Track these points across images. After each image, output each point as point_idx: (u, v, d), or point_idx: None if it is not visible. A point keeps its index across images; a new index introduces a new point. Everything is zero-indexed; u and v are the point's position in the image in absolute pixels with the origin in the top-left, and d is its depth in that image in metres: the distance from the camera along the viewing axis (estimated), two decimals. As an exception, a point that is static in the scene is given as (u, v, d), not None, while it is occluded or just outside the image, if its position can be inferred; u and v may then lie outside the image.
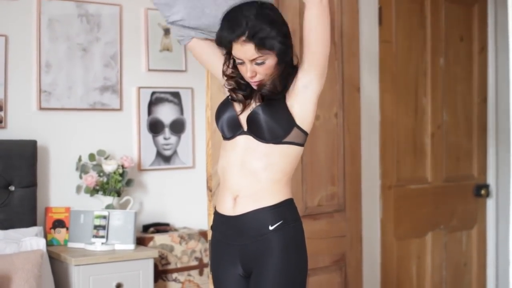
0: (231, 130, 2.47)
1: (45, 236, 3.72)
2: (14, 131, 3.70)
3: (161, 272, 3.83)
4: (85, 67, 3.92)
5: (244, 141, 2.44)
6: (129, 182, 3.92)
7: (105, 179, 3.85)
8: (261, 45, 2.27)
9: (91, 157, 3.88)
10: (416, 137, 4.20)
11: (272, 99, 2.39)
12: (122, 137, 4.06)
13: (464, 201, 4.50)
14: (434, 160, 4.29)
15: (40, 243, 3.47)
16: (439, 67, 4.31)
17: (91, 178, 3.81)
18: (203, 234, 3.96)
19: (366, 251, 3.78)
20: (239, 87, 2.44)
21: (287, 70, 2.39)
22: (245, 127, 2.44)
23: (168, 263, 3.85)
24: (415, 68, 4.19)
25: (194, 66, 4.13)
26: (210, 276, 2.89)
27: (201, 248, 3.95)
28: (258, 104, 2.41)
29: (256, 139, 2.41)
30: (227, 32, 2.30)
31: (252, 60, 2.31)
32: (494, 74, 4.61)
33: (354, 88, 3.67)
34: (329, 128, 3.51)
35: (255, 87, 2.39)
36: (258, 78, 2.35)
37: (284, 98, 2.40)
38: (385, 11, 3.99)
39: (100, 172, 3.85)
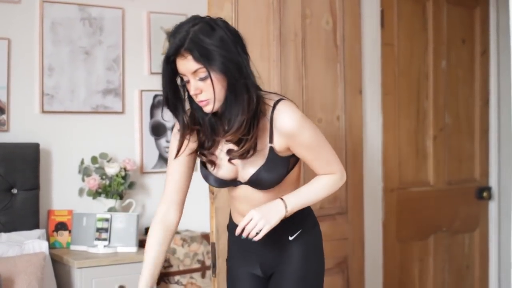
0: (226, 185, 2.39)
1: (48, 239, 3.72)
2: (17, 134, 3.71)
3: (163, 275, 3.83)
4: (87, 70, 3.93)
5: (245, 187, 2.36)
6: (131, 185, 3.93)
7: (107, 182, 3.86)
8: (199, 55, 2.09)
9: (94, 160, 3.88)
10: (418, 139, 4.20)
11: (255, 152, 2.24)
12: (125, 140, 4.06)
13: (466, 204, 4.49)
14: (436, 163, 4.29)
15: (42, 246, 3.47)
16: (441, 69, 4.31)
17: (94, 181, 3.82)
18: (205, 236, 3.96)
19: (368, 253, 3.78)
20: (203, 145, 2.31)
21: (241, 92, 2.14)
22: (241, 180, 2.34)
23: (171, 266, 3.85)
24: (417, 70, 4.19)
25: (196, 69, 4.14)
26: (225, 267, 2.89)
27: (204, 251, 3.95)
28: (257, 168, 2.27)
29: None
30: (170, 46, 2.15)
31: (194, 74, 2.12)
32: (496, 76, 4.61)
33: (356, 91, 3.67)
34: (331, 131, 3.51)
35: (204, 109, 2.19)
36: (203, 96, 2.15)
37: (272, 149, 2.26)
38: (387, 13, 3.99)
39: (103, 175, 3.86)
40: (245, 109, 2.14)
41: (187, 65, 2.12)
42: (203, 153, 2.32)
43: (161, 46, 4.14)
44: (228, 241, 2.59)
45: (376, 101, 3.90)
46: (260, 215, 2.22)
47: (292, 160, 2.33)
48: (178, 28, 2.15)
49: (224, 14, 3.06)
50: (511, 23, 2.47)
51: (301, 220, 2.41)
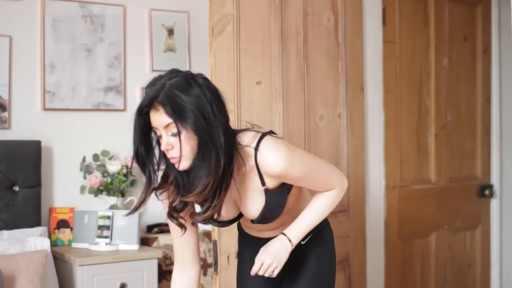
0: (232, 223, 2.36)
1: (49, 236, 3.72)
2: (19, 132, 3.71)
3: (165, 272, 3.83)
4: (89, 68, 3.93)
5: None
6: (133, 183, 3.93)
7: (109, 180, 3.86)
8: (171, 110, 2.00)
9: (95, 157, 3.88)
10: (419, 137, 4.20)
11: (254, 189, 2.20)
12: (126, 137, 3.99)
13: (468, 202, 4.49)
14: (438, 161, 4.29)
15: (44, 243, 3.47)
16: (442, 67, 4.31)
17: (95, 178, 3.82)
18: (207, 234, 3.96)
19: (370, 251, 3.78)
20: (174, 208, 2.16)
21: (209, 154, 2.03)
22: (245, 215, 2.30)
23: (172, 263, 3.85)
24: (419, 68, 4.19)
25: (198, 66, 4.14)
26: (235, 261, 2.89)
27: (205, 249, 3.95)
28: (260, 210, 2.23)
29: None
30: (144, 98, 2.07)
31: (166, 128, 2.03)
32: (497, 74, 4.61)
33: (358, 88, 3.67)
34: (333, 128, 3.51)
35: (176, 166, 2.07)
36: (173, 153, 2.04)
37: (267, 189, 2.20)
38: (388, 11, 3.99)
39: (104, 173, 3.86)
40: (212, 172, 2.03)
41: (159, 118, 2.03)
42: (173, 216, 2.17)
43: (163, 43, 4.14)
44: (239, 241, 2.58)
45: (377, 99, 3.90)
46: (271, 259, 2.22)
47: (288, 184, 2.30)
48: (155, 80, 2.08)
49: (225, 12, 3.05)
50: (513, 20, 2.47)
51: None
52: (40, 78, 3.78)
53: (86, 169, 3.86)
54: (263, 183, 2.18)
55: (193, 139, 2.02)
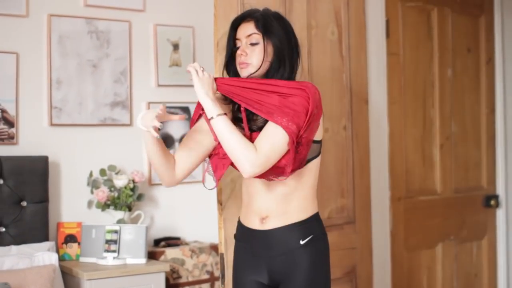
0: None
1: (57, 251, 3.74)
2: (26, 147, 3.74)
3: (172, 286, 3.84)
4: (95, 83, 3.95)
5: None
6: (140, 197, 3.95)
7: (116, 194, 3.88)
8: (260, 24, 2.37)
9: (102, 172, 3.90)
10: (424, 148, 4.21)
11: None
12: (133, 152, 4.08)
13: (474, 212, 4.50)
14: (443, 171, 4.30)
15: (52, 258, 3.49)
16: (446, 78, 4.33)
17: (102, 193, 3.84)
18: (214, 247, 3.98)
19: (376, 262, 3.78)
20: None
21: (282, 72, 2.43)
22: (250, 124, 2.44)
23: (180, 277, 3.87)
24: (423, 79, 4.21)
25: (203, 80, 4.16)
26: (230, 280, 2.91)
27: (212, 262, 3.96)
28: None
29: None
30: (237, 18, 2.44)
31: (248, 37, 2.39)
32: (501, 84, 4.62)
33: (363, 101, 3.69)
34: (338, 140, 3.52)
35: (241, 71, 2.41)
36: (245, 58, 2.39)
37: None
38: (392, 23, 4.01)
39: (111, 187, 3.87)
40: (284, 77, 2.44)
41: (246, 28, 2.40)
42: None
43: (168, 58, 4.16)
44: (235, 249, 2.60)
45: (382, 110, 3.92)
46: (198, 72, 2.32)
47: (312, 146, 2.39)
48: (250, 10, 2.45)
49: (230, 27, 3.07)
50: (516, 31, 2.49)
51: (312, 227, 2.46)
52: (47, 94, 3.81)
53: (93, 184, 3.88)
54: None
55: (268, 55, 2.38)
